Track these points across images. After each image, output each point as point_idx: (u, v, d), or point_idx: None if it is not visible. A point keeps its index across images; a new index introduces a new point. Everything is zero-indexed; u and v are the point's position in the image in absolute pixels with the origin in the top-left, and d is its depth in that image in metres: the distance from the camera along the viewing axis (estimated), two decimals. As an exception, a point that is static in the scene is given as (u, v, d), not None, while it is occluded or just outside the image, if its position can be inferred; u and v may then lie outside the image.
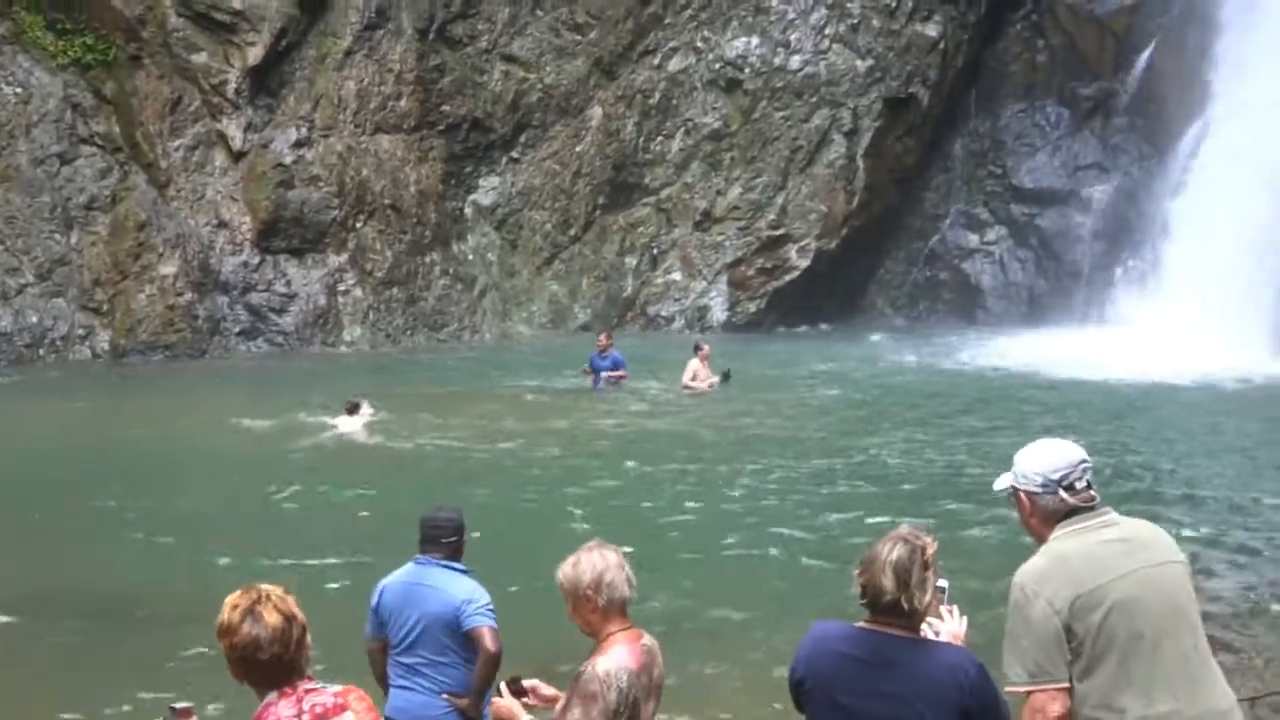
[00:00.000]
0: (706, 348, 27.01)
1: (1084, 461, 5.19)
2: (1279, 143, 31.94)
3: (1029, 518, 5.25)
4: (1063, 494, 5.13)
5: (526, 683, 6.02)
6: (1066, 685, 4.93)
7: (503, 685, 5.98)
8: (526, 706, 5.95)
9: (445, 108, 36.78)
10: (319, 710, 4.75)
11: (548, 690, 5.98)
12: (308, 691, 4.77)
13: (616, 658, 5.42)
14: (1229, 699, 5.12)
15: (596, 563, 5.54)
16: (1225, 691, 5.12)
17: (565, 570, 5.55)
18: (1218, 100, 35.23)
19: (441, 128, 36.73)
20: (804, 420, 24.18)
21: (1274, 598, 13.29)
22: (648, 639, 5.61)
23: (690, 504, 17.62)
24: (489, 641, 7.78)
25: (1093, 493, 5.18)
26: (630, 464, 20.10)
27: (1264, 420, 24.09)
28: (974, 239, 40.10)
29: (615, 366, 26.76)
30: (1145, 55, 38.38)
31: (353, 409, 22.83)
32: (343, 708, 4.79)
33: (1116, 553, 5.05)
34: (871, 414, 24.92)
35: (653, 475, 19.43)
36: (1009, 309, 38.78)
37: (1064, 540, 5.11)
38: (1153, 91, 38.09)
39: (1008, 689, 5.00)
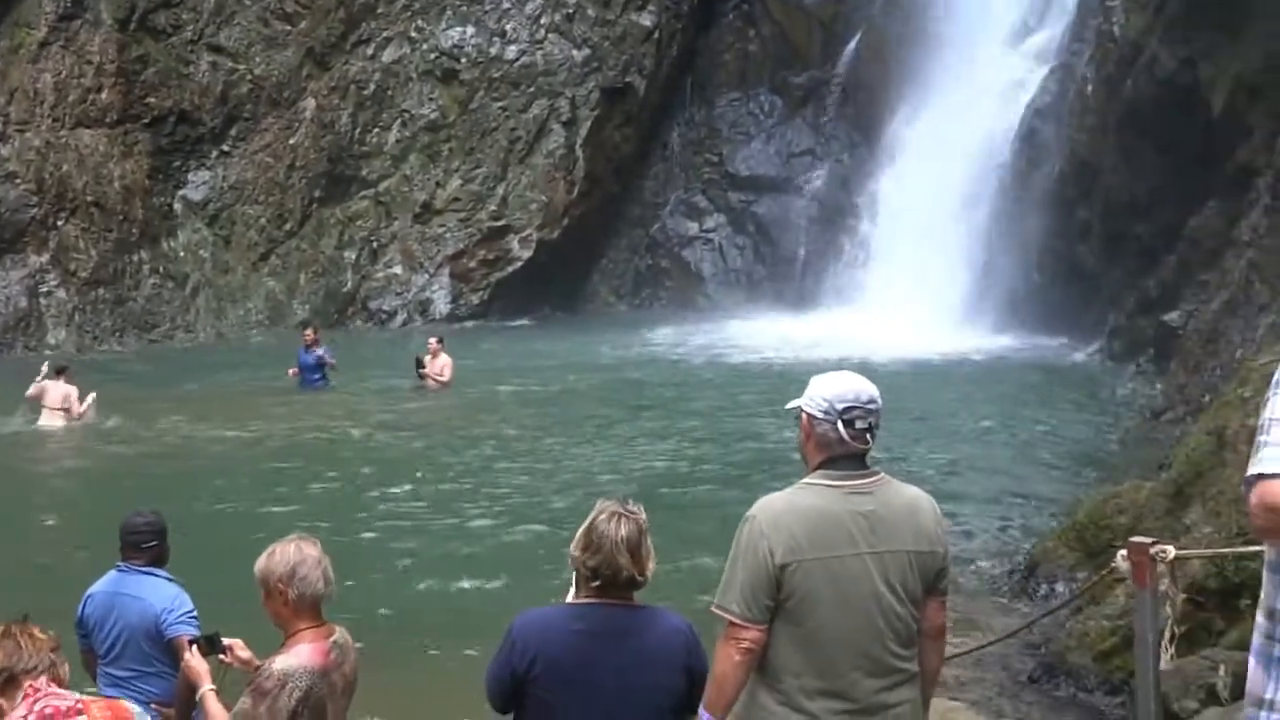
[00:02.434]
0: (433, 341, 26.48)
1: (873, 401, 5.14)
2: (980, 127, 33.25)
3: (805, 441, 5.21)
4: (841, 427, 5.07)
5: (226, 641, 5.93)
6: (764, 627, 4.98)
7: (193, 645, 5.88)
8: (225, 664, 5.89)
9: (150, 100, 35.63)
10: (47, 712, 4.67)
11: (245, 652, 5.89)
12: (44, 695, 4.71)
13: (298, 656, 5.28)
14: (905, 695, 5.14)
15: (292, 556, 5.40)
16: (905, 690, 5.15)
17: (261, 561, 5.43)
18: (921, 86, 36.39)
19: (146, 121, 35.57)
20: (520, 411, 24.17)
21: (987, 556, 13.75)
22: (340, 635, 5.48)
23: (404, 502, 17.46)
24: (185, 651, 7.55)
25: (869, 437, 5.13)
26: (343, 462, 19.83)
27: (963, 391, 25.12)
28: (693, 226, 40.58)
29: (321, 363, 26.17)
30: (852, 45, 39.39)
31: (59, 371, 22.45)
32: (79, 712, 4.72)
33: (859, 527, 5.03)
34: (588, 403, 25.05)
35: (366, 473, 19.17)
36: (729, 295, 39.35)
37: (811, 491, 5.09)
38: (860, 80, 39.12)
39: (715, 608, 5.04)
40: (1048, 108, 32.66)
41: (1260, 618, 3.76)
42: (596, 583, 5.09)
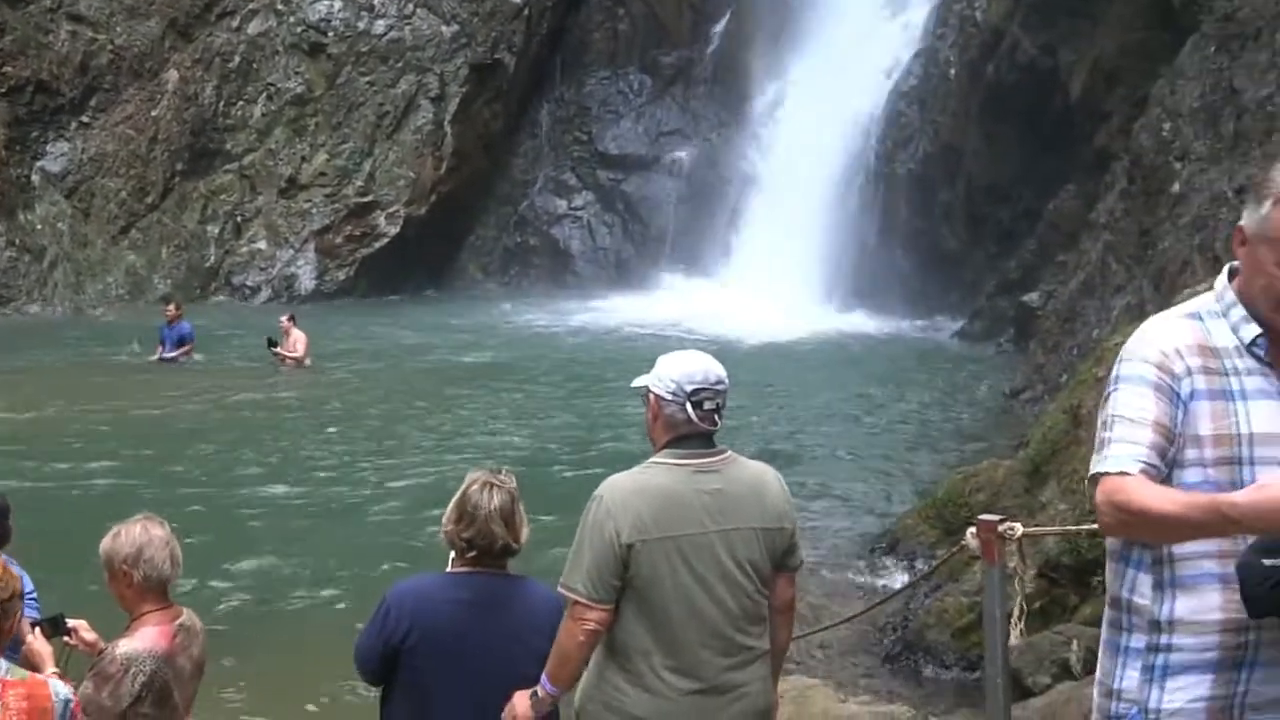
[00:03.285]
0: (284, 319, 26.08)
1: (720, 382, 5.13)
2: (846, 109, 33.60)
3: (653, 421, 5.19)
4: (689, 408, 5.06)
5: (71, 623, 5.81)
6: (610, 607, 4.98)
7: (36, 628, 5.77)
8: (69, 647, 5.78)
9: (7, 69, 34.76)
10: None
11: (89, 635, 5.79)
12: None
13: (143, 640, 5.20)
14: (755, 673, 5.19)
15: (138, 537, 5.30)
16: (755, 668, 5.20)
17: (105, 542, 5.33)
18: (790, 67, 36.70)
19: (3, 91, 34.68)
20: (382, 388, 24.01)
21: (847, 534, 13.93)
22: (187, 618, 5.40)
23: (260, 480, 17.27)
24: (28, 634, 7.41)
25: (717, 418, 5.14)
26: (198, 440, 19.51)
27: (827, 371, 25.41)
28: (562, 204, 40.51)
29: (183, 338, 25.79)
30: (721, 25, 39.57)
31: None
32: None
33: (705, 506, 5.03)
34: (452, 380, 24.93)
35: (220, 452, 18.90)
36: (598, 273, 39.35)
37: (659, 470, 5.10)
38: (730, 60, 39.30)
39: (561, 586, 5.03)
40: (912, 91, 33.08)
41: (1107, 608, 3.83)
42: (472, 553, 5.13)
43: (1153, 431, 3.62)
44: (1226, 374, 3.67)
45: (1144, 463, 3.60)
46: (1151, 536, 3.64)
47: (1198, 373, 3.66)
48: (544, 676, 5.08)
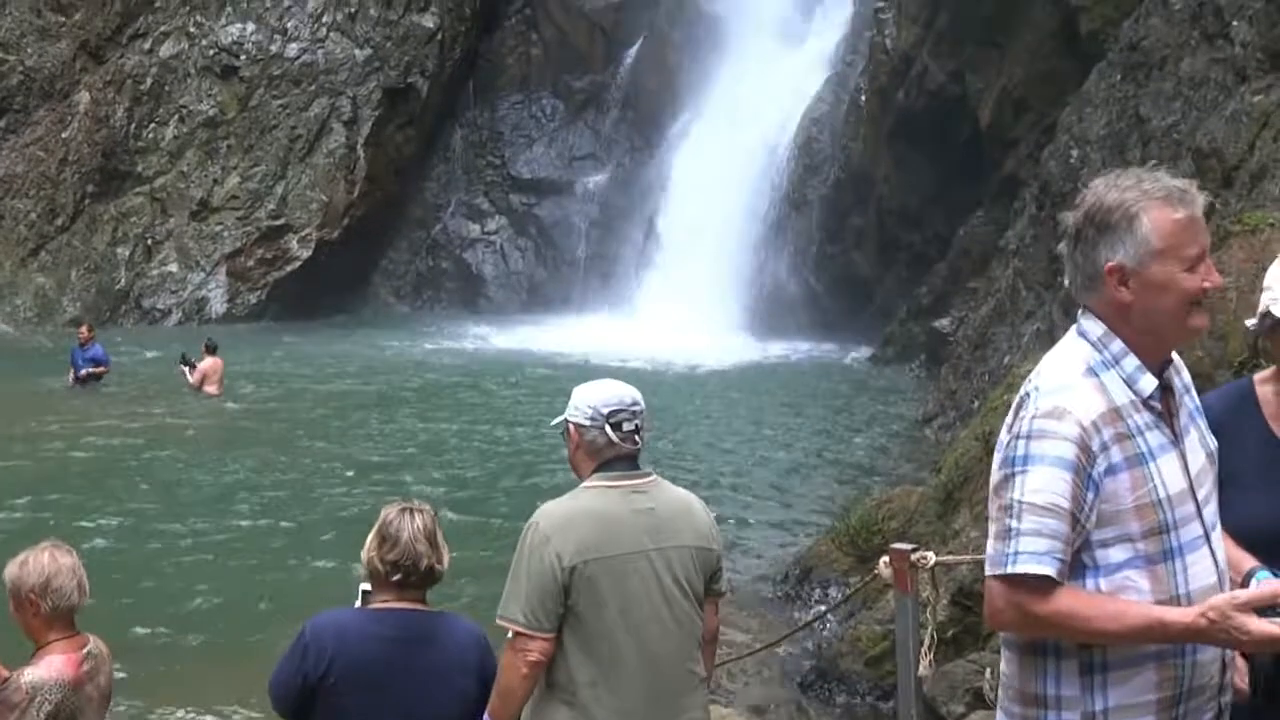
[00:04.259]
0: (204, 347, 25.84)
1: (637, 404, 5.16)
2: (758, 134, 33.82)
3: (575, 451, 5.20)
4: (609, 431, 5.08)
5: None
6: (552, 636, 4.93)
7: None
8: None
9: (-86, 90, 34.36)
10: None
11: None
12: None
13: (49, 668, 5.12)
14: (698, 699, 5.20)
15: (46, 565, 5.19)
16: (698, 694, 5.21)
17: (11, 569, 5.21)
18: (701, 93, 36.91)
19: (-90, 111, 34.29)
20: (291, 414, 23.79)
21: (760, 562, 13.99)
22: (94, 646, 5.31)
23: (171, 511, 17.03)
24: None
25: (638, 438, 5.16)
26: (109, 465, 19.31)
27: (739, 396, 25.52)
28: (475, 229, 40.45)
29: (97, 361, 25.51)
30: (633, 50, 39.73)
31: None
32: None
33: (641, 526, 5.04)
34: (361, 406, 24.76)
35: (132, 480, 18.67)
36: (510, 297, 39.31)
37: (592, 494, 5.09)
38: (641, 85, 39.46)
39: (500, 619, 4.98)
40: (823, 116, 33.35)
41: (1013, 704, 3.58)
42: (397, 576, 5.07)
43: (1066, 523, 3.35)
44: (1133, 435, 3.42)
45: (1060, 561, 3.36)
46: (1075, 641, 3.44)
47: (1113, 444, 3.39)
48: (486, 715, 5.03)
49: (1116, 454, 3.39)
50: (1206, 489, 3.54)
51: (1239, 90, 17.57)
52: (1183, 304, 3.41)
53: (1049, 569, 3.34)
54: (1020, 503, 3.37)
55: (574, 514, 5.04)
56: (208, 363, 25.01)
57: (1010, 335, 21.45)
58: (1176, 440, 3.51)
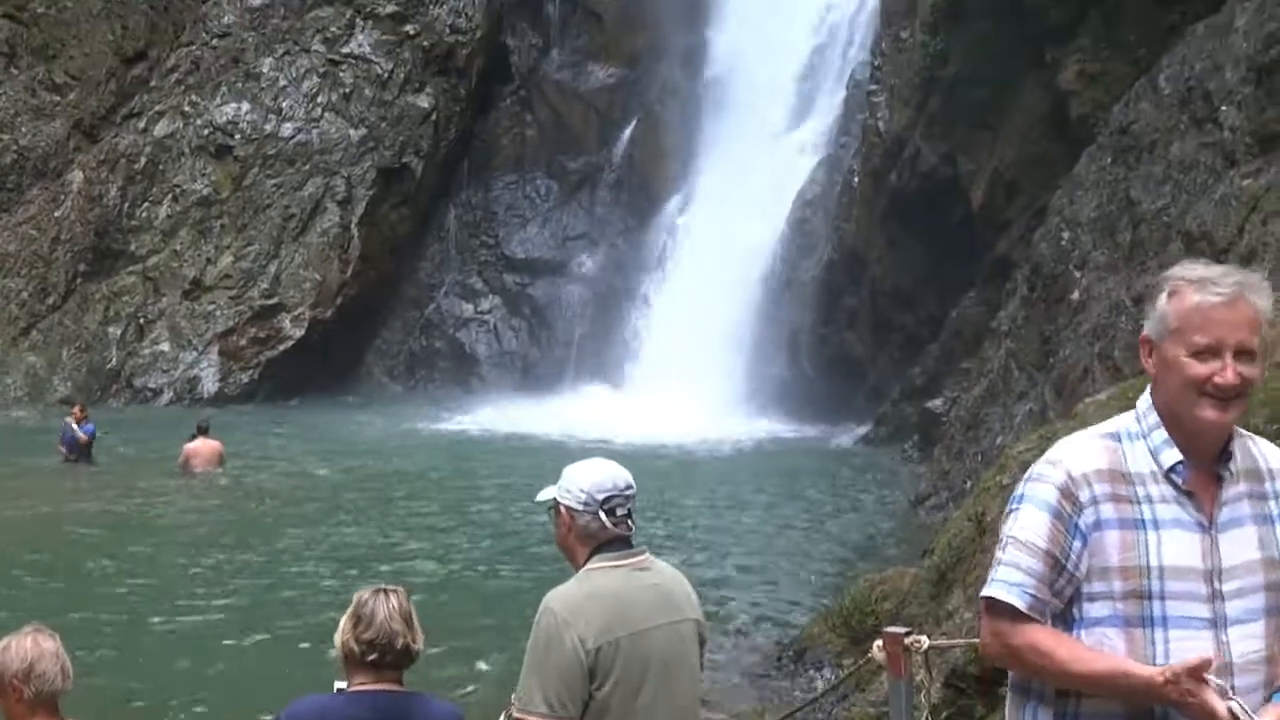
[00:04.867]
0: (196, 426, 25.85)
1: (630, 487, 5.08)
2: (751, 215, 33.95)
3: (566, 534, 5.10)
4: (603, 516, 4.98)
5: None
6: None
7: None
8: None
9: (-92, 168, 34.50)
10: None
11: None
12: None
13: None
14: None
15: (29, 650, 5.12)
16: None
17: None
18: (695, 174, 37.13)
19: (-96, 190, 34.40)
20: (282, 494, 23.69)
21: (753, 642, 13.90)
22: None
23: (157, 594, 16.91)
24: None
25: (630, 523, 5.08)
26: (96, 550, 19.13)
27: (734, 477, 25.43)
28: (469, 308, 40.52)
29: (90, 440, 25.50)
30: (627, 132, 39.97)
31: None
32: None
33: (651, 603, 4.99)
34: (350, 487, 24.64)
35: (118, 562, 18.52)
36: (504, 377, 39.30)
37: (600, 575, 5.00)
38: (635, 166, 39.68)
39: (519, 712, 4.85)
40: (816, 198, 33.49)
41: None
42: (373, 656, 5.00)
43: (1042, 562, 3.52)
44: (1138, 501, 3.53)
45: (1031, 596, 3.52)
46: (1045, 681, 3.58)
47: (1105, 500, 3.52)
48: None
49: (1109, 511, 3.52)
50: (1240, 584, 3.56)
51: (1228, 174, 17.66)
52: (1186, 389, 3.49)
53: (1016, 600, 3.53)
54: (1008, 536, 3.59)
55: (589, 595, 4.96)
56: (195, 444, 24.96)
57: (1003, 416, 21.43)
58: (1207, 526, 3.56)
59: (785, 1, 35.75)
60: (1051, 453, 3.64)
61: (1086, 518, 3.52)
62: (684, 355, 33.21)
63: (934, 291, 28.37)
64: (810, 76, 35.75)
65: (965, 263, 27.08)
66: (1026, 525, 3.56)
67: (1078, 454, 3.60)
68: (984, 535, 10.92)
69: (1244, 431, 3.68)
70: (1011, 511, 3.61)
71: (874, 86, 30.79)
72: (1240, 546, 3.57)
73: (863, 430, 29.35)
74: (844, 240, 31.32)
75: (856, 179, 31.17)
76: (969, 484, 18.71)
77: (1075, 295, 20.36)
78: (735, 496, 23.93)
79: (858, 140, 31.79)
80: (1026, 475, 3.66)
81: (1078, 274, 20.63)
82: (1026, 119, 25.81)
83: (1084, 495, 3.53)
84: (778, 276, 33.56)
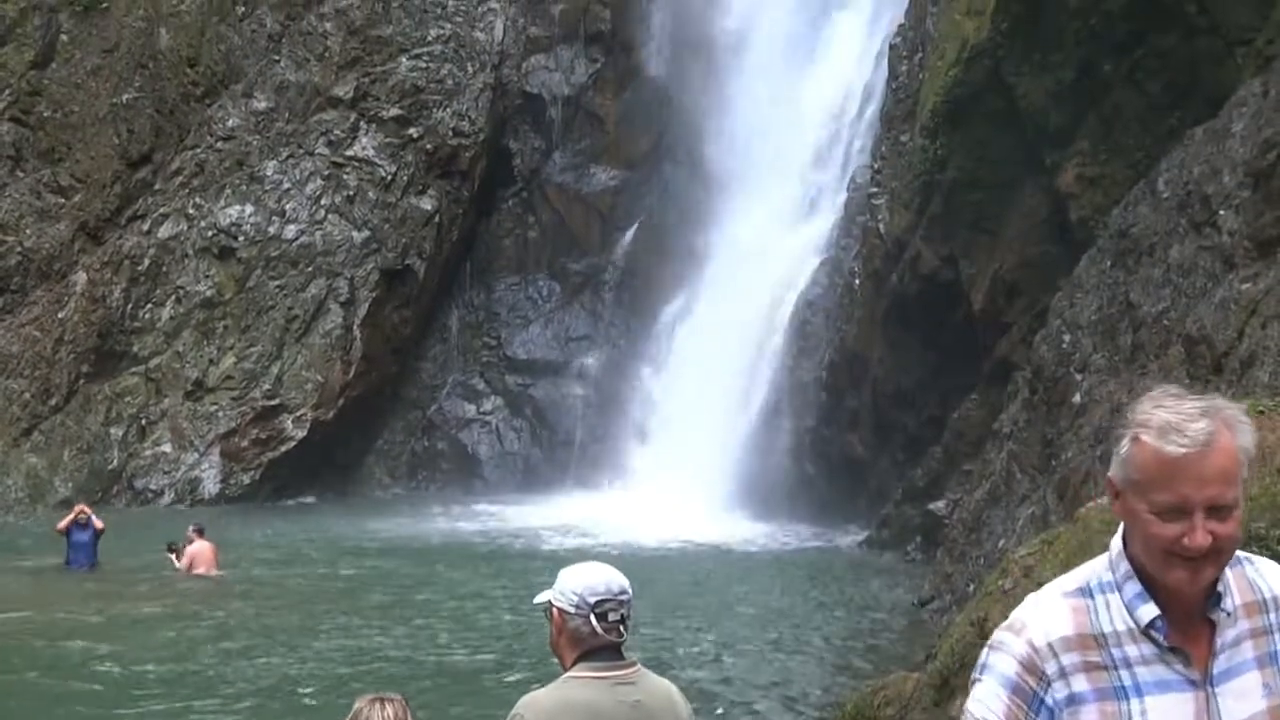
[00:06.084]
0: (192, 528, 25.81)
1: (624, 593, 5.00)
2: (752, 316, 34.07)
3: (557, 637, 5.05)
4: (594, 620, 4.92)
5: None
6: None
7: None
8: None
9: (-87, 270, 34.66)
10: None
11: None
12: None
13: None
14: None
15: None
16: None
17: None
18: (696, 276, 37.30)
19: (-92, 291, 34.55)
20: (279, 598, 23.49)
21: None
22: None
23: (153, 700, 16.79)
24: None
25: (623, 629, 5.01)
26: (94, 654, 18.98)
27: (735, 579, 25.29)
28: (471, 409, 40.54)
29: (92, 542, 25.42)
30: (629, 233, 40.21)
31: None
32: None
33: (624, 718, 4.91)
34: (351, 590, 24.49)
35: (115, 667, 18.38)
36: (506, 477, 39.25)
37: (579, 685, 4.93)
38: (637, 267, 39.87)
39: None
40: (817, 299, 33.60)
41: None
42: None
43: None
44: (1115, 667, 3.11)
45: None
46: None
47: (1076, 672, 3.11)
48: None
49: (1082, 683, 3.11)
50: None
51: (1227, 278, 17.74)
52: (1151, 550, 3.07)
53: None
54: (966, 709, 3.19)
55: (562, 706, 4.88)
56: (196, 546, 24.90)
57: (1005, 519, 21.36)
58: (1200, 681, 3.14)
59: (787, 106, 36.07)
60: (1014, 616, 3.22)
61: (1056, 693, 3.12)
62: (686, 456, 33.19)
63: (936, 393, 28.38)
64: (812, 180, 36.01)
65: (966, 364, 27.11)
66: (982, 699, 3.16)
67: (1042, 619, 3.17)
68: (986, 640, 10.85)
69: (1241, 555, 3.20)
70: (973, 681, 3.21)
71: (875, 189, 31.00)
72: (1242, 700, 3.15)
73: (866, 531, 29.25)
74: (845, 342, 31.38)
75: (858, 281, 31.28)
76: (972, 587, 18.61)
77: (1077, 398, 20.37)
78: (737, 598, 23.79)
79: (859, 242, 31.94)
80: (989, 642, 3.25)
81: (1079, 377, 20.66)
82: (1026, 222, 25.95)
83: (1050, 668, 3.12)
84: (780, 377, 33.60)
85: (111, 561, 25.90)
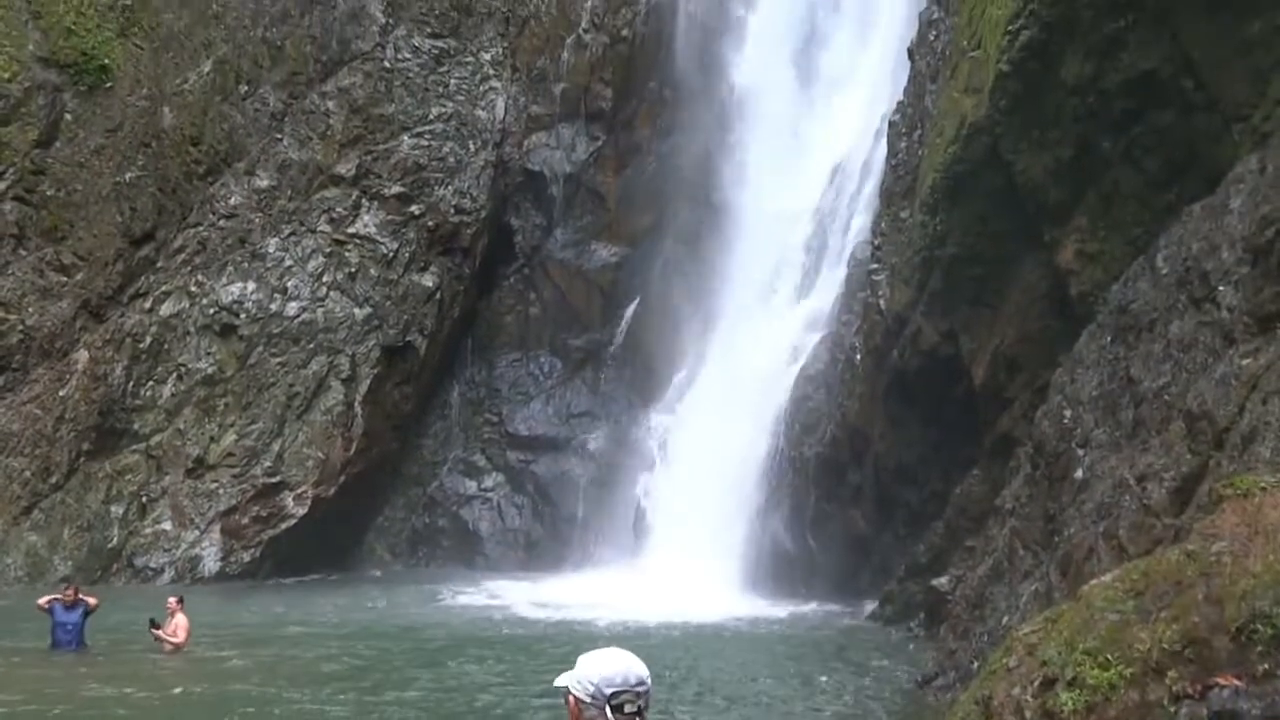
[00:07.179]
0: (172, 601, 25.72)
1: (642, 684, 4.95)
2: (754, 392, 34.07)
3: None
4: (609, 712, 4.88)
5: None
6: None
7: None
8: None
9: (-86, 348, 34.69)
10: None
11: None
12: None
13: None
14: None
15: None
16: None
17: None
18: (698, 352, 37.36)
19: (-91, 369, 34.58)
20: (263, 678, 23.19)
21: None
22: None
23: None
24: None
25: None
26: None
27: (738, 657, 25.09)
28: (472, 485, 40.48)
29: (80, 621, 25.26)
30: (630, 309, 40.30)
31: None
32: None
33: None
34: (343, 669, 24.22)
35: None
36: (507, 554, 39.14)
37: None
38: (639, 343, 39.93)
39: None
40: (819, 375, 33.60)
41: None
42: None
43: None
44: None
45: None
46: None
47: None
48: None
49: None
50: None
51: (1227, 353, 17.73)
52: None
53: None
54: None
55: None
56: (175, 620, 24.88)
57: (1008, 595, 21.26)
58: None
59: (789, 178, 36.27)
60: None
61: None
62: (688, 532, 33.16)
63: (937, 468, 28.32)
64: (812, 256, 36.14)
65: (968, 440, 27.07)
66: None
67: None
68: (990, 718, 10.77)
69: None
70: None
71: (875, 265, 31.05)
72: None
73: (869, 607, 29.13)
74: (846, 417, 31.35)
75: (859, 356, 31.28)
76: (976, 665, 18.51)
77: (1079, 473, 20.32)
78: (739, 675, 23.62)
79: (859, 318, 31.98)
80: None
81: (1080, 452, 20.62)
82: (1026, 297, 25.98)
83: None
84: (781, 453, 33.57)
85: (105, 641, 25.66)
